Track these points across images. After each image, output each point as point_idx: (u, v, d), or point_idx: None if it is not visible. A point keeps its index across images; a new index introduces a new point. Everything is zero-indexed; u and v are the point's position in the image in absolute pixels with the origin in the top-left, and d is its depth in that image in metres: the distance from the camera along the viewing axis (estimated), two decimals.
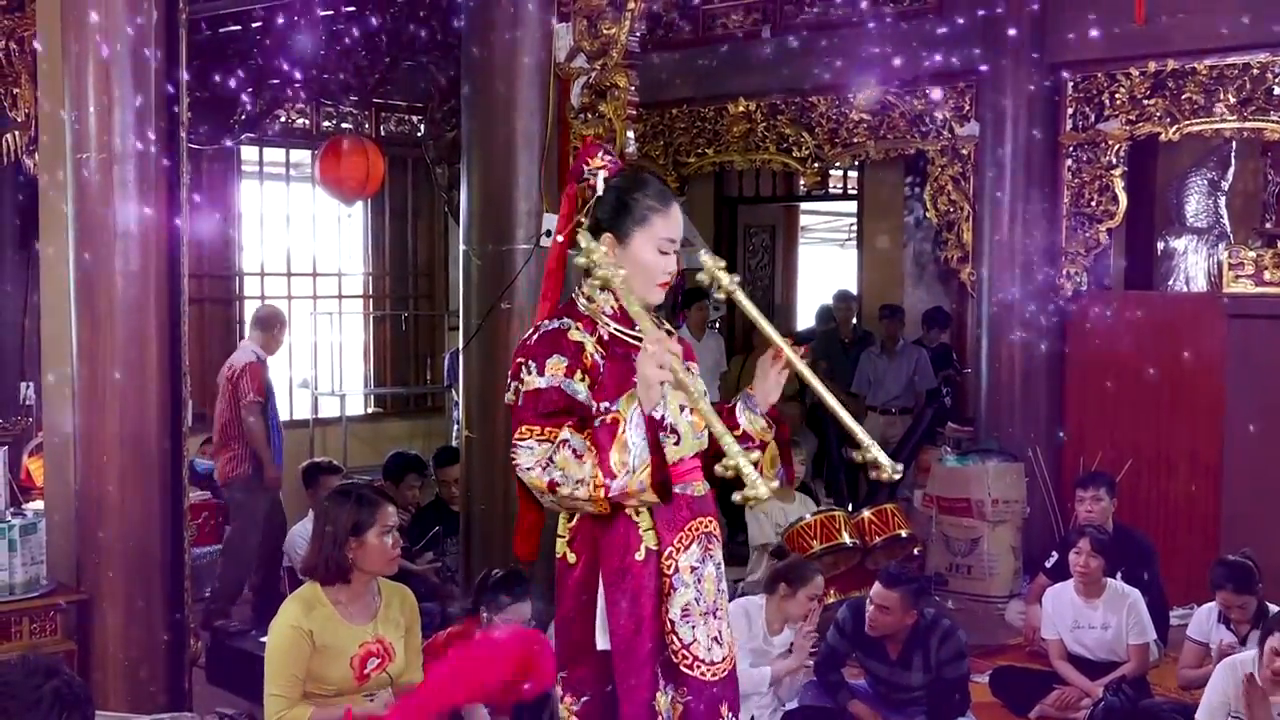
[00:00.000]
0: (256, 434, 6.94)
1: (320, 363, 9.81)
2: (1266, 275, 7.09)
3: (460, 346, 5.93)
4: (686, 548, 2.99)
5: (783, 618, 5.33)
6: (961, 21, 7.99)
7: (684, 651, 2.97)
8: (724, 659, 2.99)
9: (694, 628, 2.97)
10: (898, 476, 2.78)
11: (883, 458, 2.79)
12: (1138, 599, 5.82)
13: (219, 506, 7.72)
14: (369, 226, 10.16)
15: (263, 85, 7.99)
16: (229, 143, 8.50)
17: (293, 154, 9.72)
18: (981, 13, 7.85)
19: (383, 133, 9.77)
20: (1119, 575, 5.99)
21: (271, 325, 7.25)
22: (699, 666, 2.97)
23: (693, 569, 2.98)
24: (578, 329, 2.98)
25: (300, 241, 9.82)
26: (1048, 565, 6.60)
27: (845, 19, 8.54)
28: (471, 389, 5.76)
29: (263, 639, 4.28)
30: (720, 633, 3.00)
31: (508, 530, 5.51)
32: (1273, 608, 5.23)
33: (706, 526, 3.02)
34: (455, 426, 7.74)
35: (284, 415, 9.68)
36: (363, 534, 3.74)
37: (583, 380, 2.93)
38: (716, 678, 2.98)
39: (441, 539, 6.81)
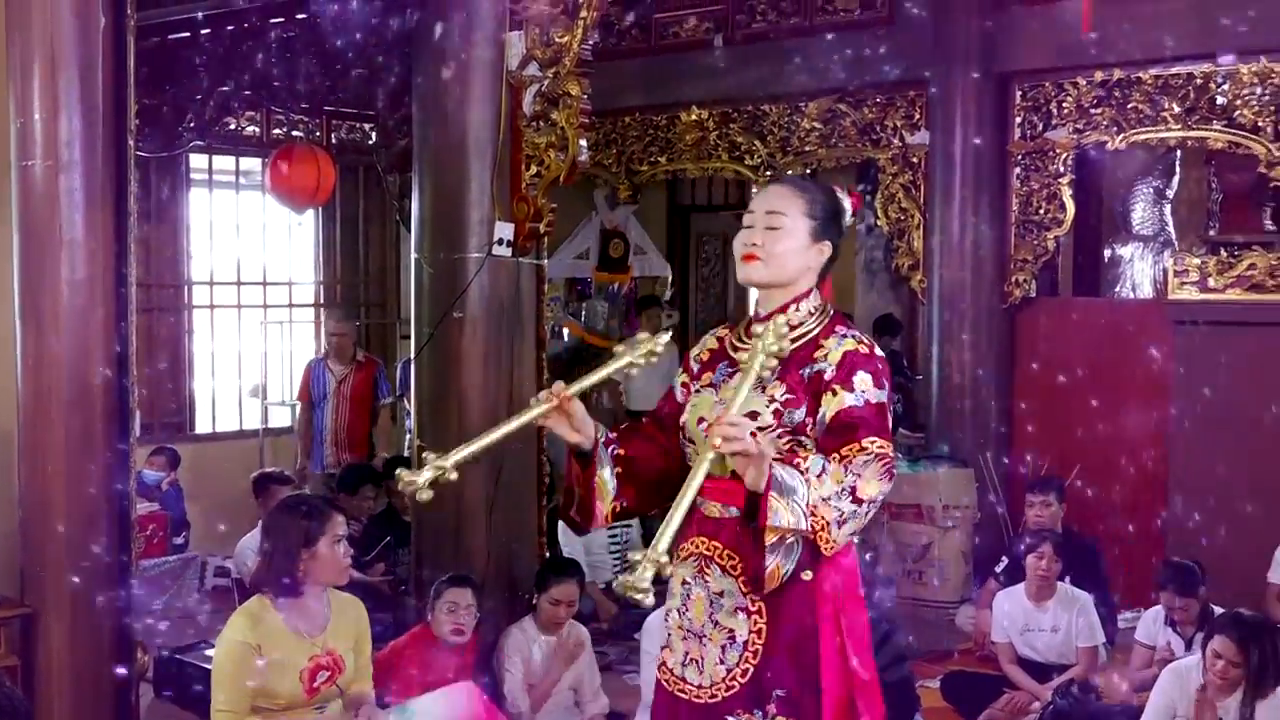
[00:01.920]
0: None
1: (271, 372, 9.74)
2: (1211, 282, 7.19)
3: (412, 355, 5.90)
4: (684, 561, 2.98)
5: None
6: (911, 31, 8.06)
7: (664, 667, 3.04)
8: (713, 684, 2.93)
9: (679, 641, 3.01)
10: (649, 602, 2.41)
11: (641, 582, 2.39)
12: (1088, 602, 5.88)
13: (167, 518, 7.64)
14: (320, 235, 10.09)
15: (212, 93, 7.92)
16: (178, 150, 8.42)
17: (243, 162, 9.64)
18: (931, 23, 7.93)
19: (334, 140, 9.71)
20: (1067, 579, 6.05)
21: None
22: (680, 685, 3.00)
23: (684, 583, 2.98)
24: (724, 329, 3.11)
25: (250, 250, 9.74)
26: (998, 570, 6.65)
27: (797, 28, 8.59)
28: (423, 398, 5.74)
29: (211, 652, 4.24)
30: (702, 659, 2.95)
31: (459, 539, 5.52)
32: (1217, 610, 5.29)
33: (706, 549, 2.94)
34: (408, 436, 7.71)
35: (234, 425, 9.66)
36: (314, 545, 3.71)
37: (682, 376, 3.09)
38: (699, 700, 2.96)
39: (393, 549, 6.78)
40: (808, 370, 2.86)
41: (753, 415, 2.80)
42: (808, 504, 2.67)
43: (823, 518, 2.68)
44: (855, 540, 2.92)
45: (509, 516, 5.55)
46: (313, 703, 3.71)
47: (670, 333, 3.01)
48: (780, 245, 2.91)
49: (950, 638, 6.98)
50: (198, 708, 4.70)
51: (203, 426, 9.57)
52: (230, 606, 5.23)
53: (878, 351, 2.90)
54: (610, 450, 2.96)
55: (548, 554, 6.06)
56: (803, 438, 2.84)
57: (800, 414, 2.83)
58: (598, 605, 6.89)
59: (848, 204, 3.05)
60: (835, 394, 2.80)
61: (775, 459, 2.69)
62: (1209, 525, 6.69)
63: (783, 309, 2.93)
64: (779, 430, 2.82)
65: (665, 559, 2.39)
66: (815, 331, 2.91)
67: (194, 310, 9.43)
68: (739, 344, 3.01)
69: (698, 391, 3.02)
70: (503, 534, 5.53)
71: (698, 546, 2.96)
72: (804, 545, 2.75)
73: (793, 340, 2.89)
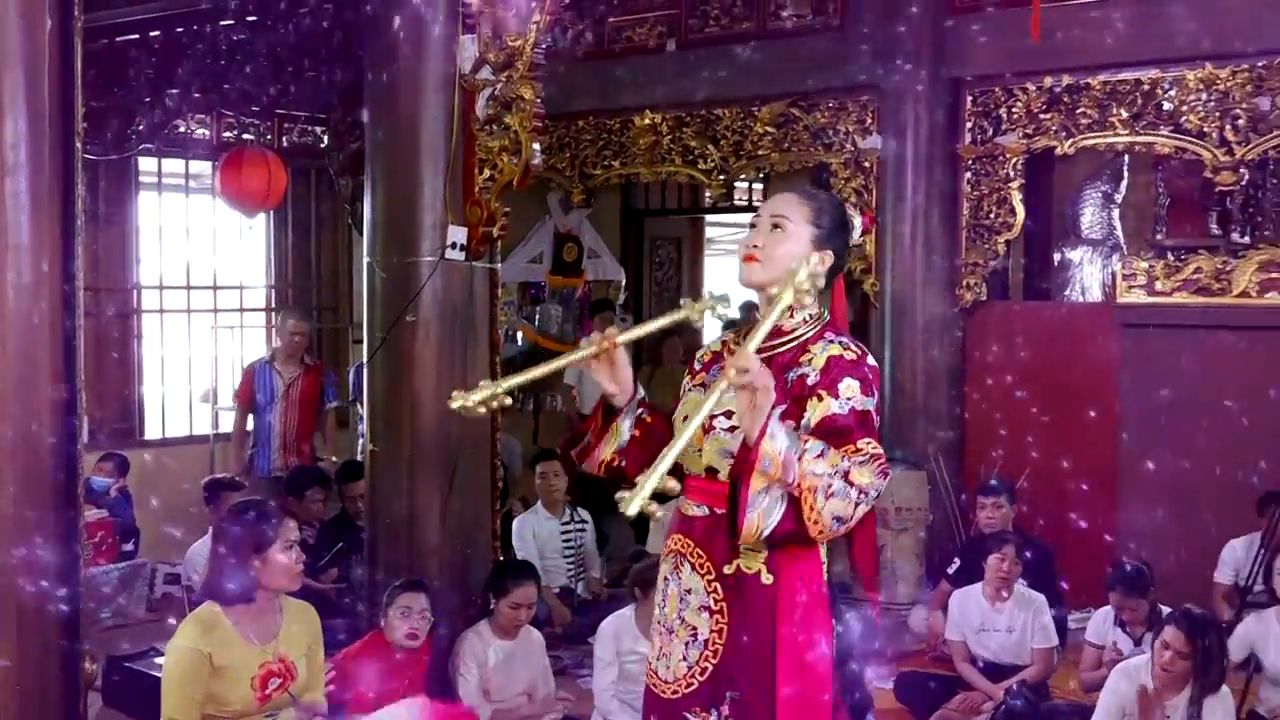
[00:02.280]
0: None
1: (222, 377, 9.66)
2: (1158, 285, 7.29)
3: (365, 360, 5.88)
4: (665, 558, 3.04)
5: (650, 622, 5.28)
6: (863, 36, 8.11)
7: (649, 662, 3.08)
8: (675, 680, 2.96)
9: (656, 636, 3.05)
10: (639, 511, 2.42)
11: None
12: (1043, 603, 5.93)
13: (115, 525, 7.56)
14: (271, 239, 10.03)
15: (161, 95, 7.85)
16: (127, 153, 8.35)
17: (192, 165, 9.56)
18: (882, 28, 7.98)
19: (285, 144, 9.65)
20: (1021, 581, 6.10)
21: None
22: (654, 679, 3.03)
23: (664, 580, 3.03)
24: (730, 334, 3.17)
25: (200, 254, 9.66)
26: (950, 571, 6.71)
27: (750, 33, 8.62)
28: (376, 403, 5.71)
29: (160, 660, 4.20)
30: (669, 654, 2.98)
31: (413, 544, 5.50)
32: (1166, 610, 5.35)
33: (681, 546, 2.97)
34: (361, 440, 7.67)
35: (184, 430, 9.57)
36: (265, 551, 3.69)
37: (686, 378, 3.16)
38: (665, 695, 2.98)
39: (347, 555, 6.74)
40: (793, 374, 2.88)
41: (729, 414, 2.83)
42: (800, 466, 2.67)
43: (811, 484, 2.67)
44: (824, 558, 2.92)
45: (463, 521, 5.53)
46: (264, 710, 3.69)
47: (729, 298, 3.01)
48: (780, 248, 2.93)
49: (904, 638, 7.02)
50: (147, 716, 4.64)
51: (152, 432, 9.49)
52: (180, 614, 5.18)
53: (870, 360, 2.90)
54: (639, 413, 3.00)
55: (502, 558, 6.04)
56: None
57: (775, 415, 2.84)
58: (552, 610, 6.88)
59: (858, 221, 3.08)
60: (820, 400, 2.82)
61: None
62: (1158, 526, 6.77)
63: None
64: None
65: (673, 483, 2.43)
66: (806, 336, 2.93)
67: (143, 315, 9.34)
68: (736, 347, 3.02)
69: (688, 391, 3.08)
70: (456, 538, 5.51)
71: (675, 544, 3.00)
72: (788, 514, 2.70)
73: (782, 344, 2.92)
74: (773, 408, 2.71)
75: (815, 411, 2.81)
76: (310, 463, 7.89)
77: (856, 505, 2.71)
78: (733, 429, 2.84)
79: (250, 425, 7.91)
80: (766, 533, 2.73)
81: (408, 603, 4.94)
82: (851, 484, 2.69)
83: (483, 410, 2.74)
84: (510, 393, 2.79)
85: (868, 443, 2.76)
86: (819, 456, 2.69)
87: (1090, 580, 6.48)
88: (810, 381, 2.84)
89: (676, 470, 2.95)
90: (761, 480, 2.68)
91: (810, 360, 2.87)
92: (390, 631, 4.93)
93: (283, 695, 3.71)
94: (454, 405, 2.72)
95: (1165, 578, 5.95)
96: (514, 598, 5.22)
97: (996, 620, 5.93)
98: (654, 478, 2.40)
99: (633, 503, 2.37)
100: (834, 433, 2.76)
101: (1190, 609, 4.78)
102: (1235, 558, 6.58)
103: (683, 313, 2.86)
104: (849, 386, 2.81)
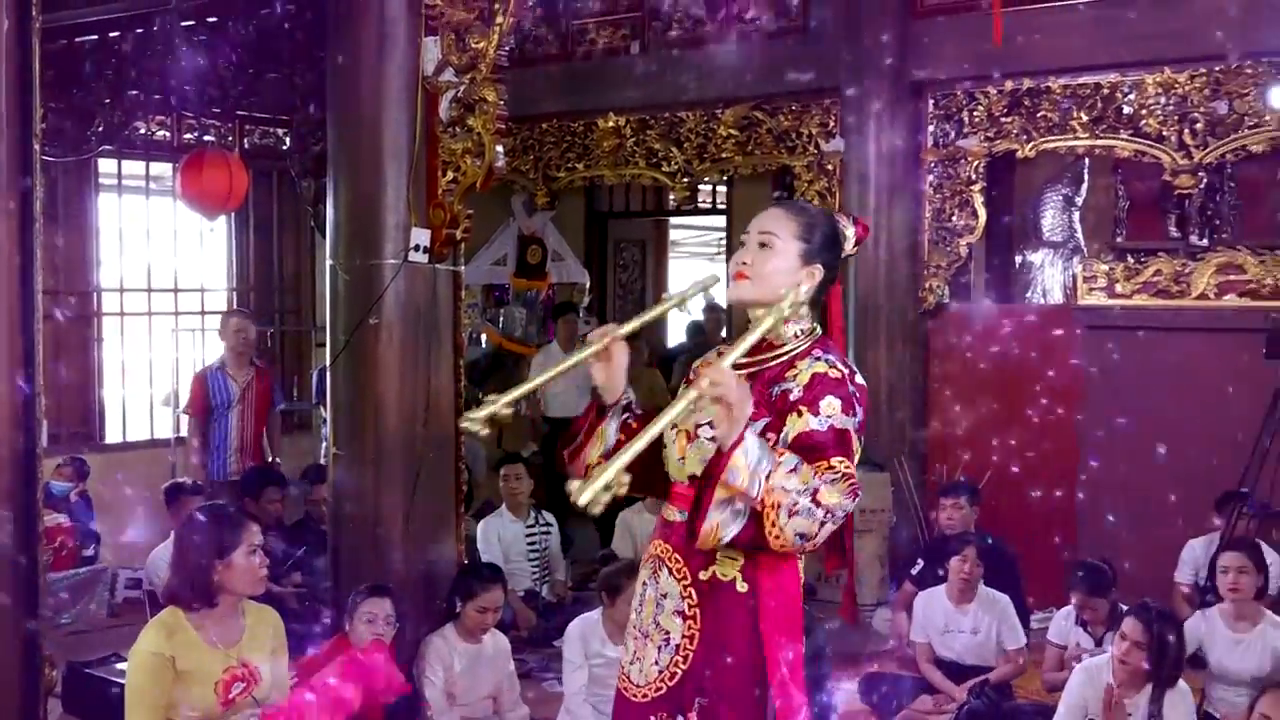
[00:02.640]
0: None
1: (183, 380, 9.57)
2: (1118, 288, 7.36)
3: (328, 363, 5.85)
4: (645, 563, 3.04)
5: (617, 626, 5.26)
6: (825, 40, 8.15)
7: (621, 665, 3.07)
8: (646, 684, 2.96)
9: (631, 640, 3.04)
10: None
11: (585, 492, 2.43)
12: (1008, 604, 5.97)
13: (75, 530, 7.49)
14: (233, 241, 9.97)
15: (121, 96, 7.79)
16: (86, 155, 8.28)
17: (153, 167, 9.50)
18: (844, 32, 8.01)
19: (246, 145, 9.59)
20: (981, 581, 6.13)
21: None
22: (625, 682, 3.02)
23: (643, 584, 3.03)
24: (724, 346, 3.12)
25: (161, 256, 9.59)
26: (913, 573, 6.74)
27: (713, 36, 8.64)
28: (339, 405, 5.68)
29: (122, 666, 4.17)
30: (643, 658, 2.98)
31: (377, 548, 5.47)
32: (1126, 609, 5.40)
33: (660, 551, 2.98)
34: (324, 444, 7.63)
35: (145, 434, 9.50)
36: (228, 555, 3.67)
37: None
38: (635, 699, 2.98)
39: (310, 559, 6.71)
40: (777, 389, 2.88)
41: (711, 424, 2.84)
42: (768, 481, 2.67)
43: (777, 500, 2.67)
44: (801, 561, 2.92)
45: (427, 525, 5.51)
46: (228, 715, 3.66)
47: (719, 279, 3.00)
48: (769, 265, 2.94)
49: (868, 640, 7.04)
50: None
51: (113, 436, 9.41)
52: (142, 619, 5.14)
53: (858, 379, 2.90)
54: (625, 417, 3.02)
55: (466, 561, 6.03)
56: None
57: (757, 428, 2.83)
58: (517, 613, 6.86)
59: (850, 232, 3.09)
60: (800, 415, 2.81)
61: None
62: (1119, 526, 6.83)
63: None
64: None
65: (624, 477, 2.42)
66: (795, 352, 2.94)
67: (104, 317, 9.26)
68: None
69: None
70: (421, 542, 5.49)
71: (656, 548, 3.01)
72: (749, 524, 2.71)
73: (771, 359, 2.93)
74: (755, 420, 2.74)
75: (794, 426, 2.81)
76: (262, 463, 7.85)
77: (822, 524, 2.71)
78: (715, 439, 2.84)
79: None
80: (725, 540, 2.74)
81: (373, 609, 4.92)
82: (819, 504, 2.70)
83: (488, 429, 2.79)
84: (515, 403, 2.84)
85: (841, 461, 2.76)
86: (791, 471, 2.70)
87: (1053, 580, 6.53)
88: (793, 397, 2.84)
89: (663, 478, 2.97)
90: (725, 491, 2.69)
91: (796, 376, 2.87)
92: (355, 637, 4.91)
93: (246, 699, 3.69)
94: (465, 424, 2.79)
95: (1127, 578, 6.01)
96: (480, 601, 5.21)
97: (961, 621, 5.96)
98: (610, 471, 2.41)
99: (584, 491, 2.38)
100: (810, 448, 2.77)
101: (1148, 602, 4.85)
102: (1195, 557, 6.64)
103: (677, 298, 2.95)
104: (830, 404, 2.81)
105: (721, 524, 2.72)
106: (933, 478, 7.92)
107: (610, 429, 3.00)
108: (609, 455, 2.96)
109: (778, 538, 2.70)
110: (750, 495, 2.67)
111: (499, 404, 2.77)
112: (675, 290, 2.93)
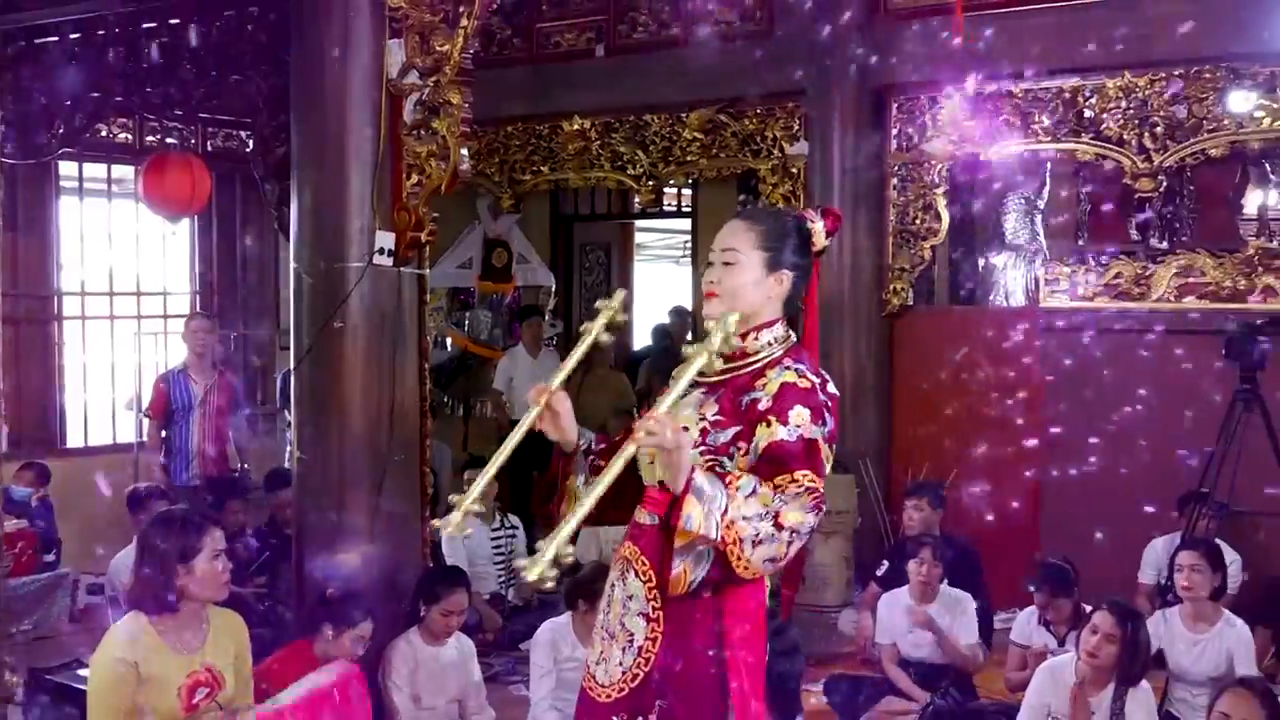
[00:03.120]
0: None
1: (146, 384, 9.51)
2: (1080, 290, 7.42)
3: (292, 366, 5.82)
4: (615, 563, 3.05)
5: (588, 629, 5.28)
6: (789, 43, 8.18)
7: (587, 665, 3.07)
8: (610, 684, 2.97)
9: (597, 639, 3.05)
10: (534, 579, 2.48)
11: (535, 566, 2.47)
12: (969, 601, 6.01)
13: (36, 535, 7.43)
14: (196, 244, 9.91)
15: (82, 99, 7.72)
16: (46, 157, 8.20)
17: (115, 169, 9.43)
18: (810, 35, 8.05)
19: (209, 148, 9.54)
20: (945, 581, 6.17)
21: None
22: (590, 682, 3.03)
23: (611, 585, 3.04)
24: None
25: (123, 260, 9.52)
26: (879, 574, 6.77)
27: (678, 39, 8.67)
28: (304, 410, 5.65)
29: (84, 672, 4.14)
30: (608, 658, 2.99)
31: (342, 552, 5.44)
32: (1089, 609, 5.44)
33: (629, 554, 2.99)
34: (288, 448, 7.59)
35: (107, 439, 9.42)
36: (191, 560, 3.65)
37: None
38: (600, 699, 2.98)
39: (274, 563, 6.67)
40: (746, 397, 2.89)
41: (685, 428, 2.84)
42: (725, 516, 2.69)
43: (737, 534, 2.69)
44: (767, 578, 2.91)
45: (393, 528, 5.49)
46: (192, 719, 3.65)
47: (622, 293, 3.00)
48: (735, 281, 2.96)
49: (833, 641, 7.07)
50: None
51: (74, 440, 9.33)
52: (104, 625, 5.10)
53: (830, 388, 2.91)
54: (590, 460, 3.03)
55: (431, 564, 6.01)
56: (724, 459, 2.86)
57: (726, 436, 2.86)
58: (483, 617, 6.85)
59: (820, 225, 3.08)
60: (769, 425, 2.82)
61: (707, 469, 2.74)
62: (1082, 527, 6.88)
63: (741, 337, 2.96)
64: (702, 448, 2.86)
65: (568, 548, 2.46)
66: (766, 360, 2.94)
67: (65, 321, 9.19)
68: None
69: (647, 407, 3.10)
70: (386, 546, 5.47)
71: (625, 550, 3.01)
72: (716, 561, 2.76)
73: (742, 367, 2.94)
74: (725, 429, 2.80)
75: (762, 437, 2.82)
76: (227, 472, 7.81)
77: (789, 544, 2.74)
78: (691, 444, 2.85)
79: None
80: (695, 584, 2.77)
81: (362, 632, 4.89)
82: (781, 526, 2.72)
83: (469, 529, 2.81)
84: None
85: (805, 475, 2.76)
86: (750, 496, 2.71)
87: (1017, 581, 6.57)
88: (762, 406, 2.85)
89: (636, 483, 2.95)
90: (686, 537, 2.71)
91: (765, 385, 2.88)
92: (334, 649, 4.85)
93: (210, 704, 3.68)
94: (437, 526, 2.81)
95: (1090, 578, 6.05)
96: (445, 605, 5.19)
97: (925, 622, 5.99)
98: (552, 548, 2.46)
99: (534, 569, 2.43)
100: (777, 459, 2.78)
101: (1116, 598, 4.90)
102: (1157, 557, 6.70)
103: (589, 337, 2.93)
104: (799, 414, 2.81)
105: (688, 569, 2.75)
106: (898, 480, 7.96)
107: (579, 483, 3.04)
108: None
109: (746, 568, 2.73)
110: (710, 538, 2.70)
111: (467, 502, 2.78)
112: (585, 325, 2.95)
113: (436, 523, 2.81)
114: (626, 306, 2.98)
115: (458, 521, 2.76)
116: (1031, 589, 5.84)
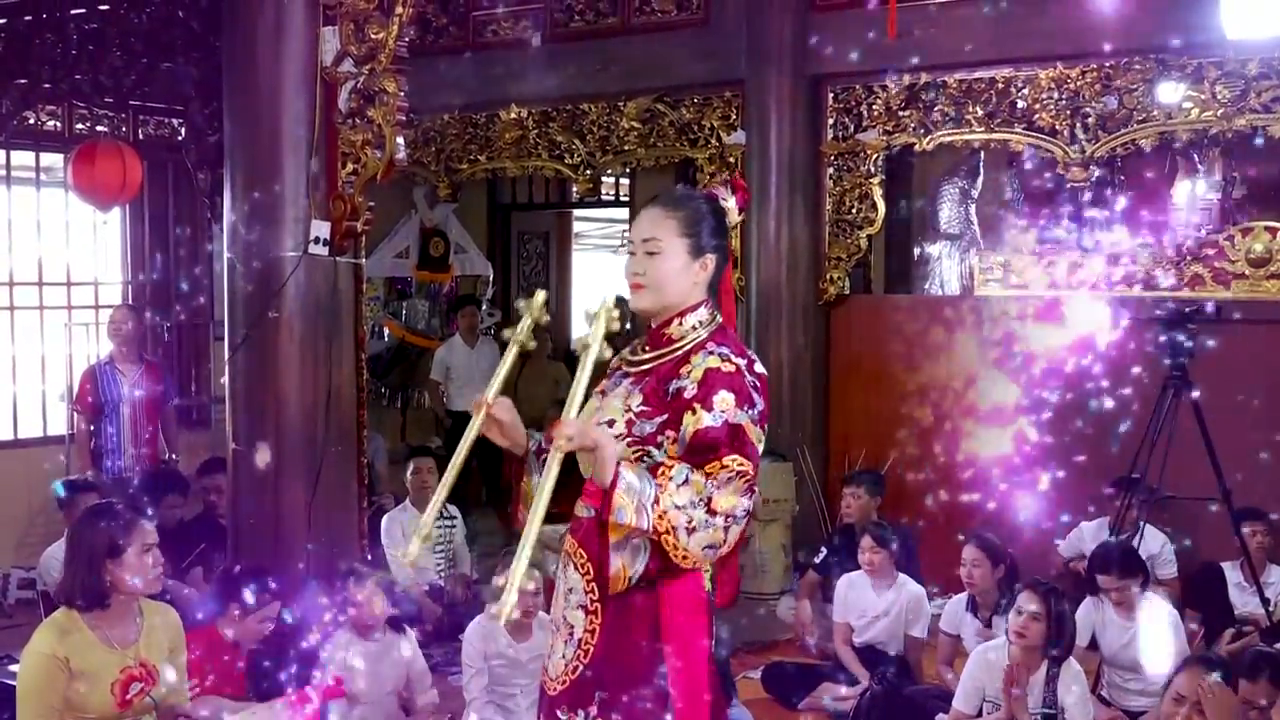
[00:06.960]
0: None
1: (77, 375, 9.37)
2: (1013, 279, 7.50)
3: (227, 357, 5.76)
4: (560, 556, 3.04)
5: (519, 625, 5.12)
6: (726, 33, 8.20)
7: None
8: (556, 677, 2.96)
9: (552, 632, 3.04)
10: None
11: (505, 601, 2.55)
12: (923, 597, 6.08)
13: None
14: (128, 233, 9.76)
15: (9, 85, 7.59)
16: None
17: (43, 158, 9.26)
18: (745, 25, 8.07)
19: (141, 136, 9.40)
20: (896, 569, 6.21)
21: None
22: (544, 675, 3.03)
23: (557, 579, 3.04)
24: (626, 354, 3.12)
25: (53, 249, 9.37)
26: (816, 561, 6.82)
27: (615, 28, 8.66)
28: (239, 401, 5.60)
29: (14, 667, 4.08)
30: (555, 651, 2.98)
31: (277, 544, 5.40)
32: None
33: (569, 546, 2.98)
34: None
35: (38, 431, 9.28)
36: (120, 555, 3.60)
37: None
38: (550, 692, 2.98)
39: (209, 554, 6.60)
40: (671, 386, 2.87)
41: (610, 423, 2.85)
42: (658, 506, 2.69)
43: (670, 522, 2.69)
44: (707, 570, 2.91)
45: (329, 519, 5.45)
46: (126, 715, 3.60)
47: (543, 293, 2.99)
48: (660, 270, 2.94)
49: (772, 629, 7.11)
50: None
51: (3, 433, 9.18)
52: (35, 620, 5.03)
53: (757, 367, 2.90)
54: (541, 459, 2.96)
55: (370, 556, 5.97)
56: (651, 449, 2.85)
57: (651, 426, 2.85)
58: (422, 608, 6.81)
59: (731, 202, 3.09)
60: (695, 413, 2.80)
61: (631, 461, 2.74)
62: (1017, 512, 6.96)
63: (665, 323, 2.96)
64: (628, 439, 2.84)
65: (529, 583, 2.51)
66: (690, 345, 2.93)
67: None
68: (632, 357, 3.04)
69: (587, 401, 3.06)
70: (323, 537, 5.43)
71: (566, 543, 3.01)
72: (654, 554, 2.76)
73: (666, 354, 2.94)
74: (652, 418, 2.80)
75: (689, 425, 2.81)
76: (157, 463, 7.71)
77: (726, 530, 2.74)
78: (618, 435, 2.85)
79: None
80: (636, 578, 2.78)
81: (269, 613, 4.86)
82: (715, 512, 2.72)
83: (433, 558, 2.90)
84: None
85: (735, 460, 2.76)
86: (683, 485, 2.72)
87: (954, 567, 6.64)
88: (687, 394, 2.83)
89: (576, 477, 2.91)
90: (619, 531, 2.71)
91: (690, 373, 2.86)
92: (241, 631, 4.81)
93: (144, 700, 3.64)
94: (397, 556, 2.86)
95: (1023, 562, 6.14)
96: (354, 598, 5.13)
97: (878, 605, 6.06)
98: (513, 589, 2.51)
99: (504, 614, 2.51)
100: (705, 447, 2.77)
101: (1037, 578, 5.01)
102: (1081, 540, 6.85)
103: (515, 346, 2.94)
104: (723, 399, 2.80)
105: (626, 563, 2.76)
106: (835, 468, 8.01)
107: (531, 483, 3.00)
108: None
109: (685, 557, 2.74)
110: (643, 529, 2.70)
111: (429, 523, 2.82)
112: (509, 330, 2.97)
113: (397, 553, 2.86)
114: (549, 305, 2.96)
115: (415, 553, 2.85)
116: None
